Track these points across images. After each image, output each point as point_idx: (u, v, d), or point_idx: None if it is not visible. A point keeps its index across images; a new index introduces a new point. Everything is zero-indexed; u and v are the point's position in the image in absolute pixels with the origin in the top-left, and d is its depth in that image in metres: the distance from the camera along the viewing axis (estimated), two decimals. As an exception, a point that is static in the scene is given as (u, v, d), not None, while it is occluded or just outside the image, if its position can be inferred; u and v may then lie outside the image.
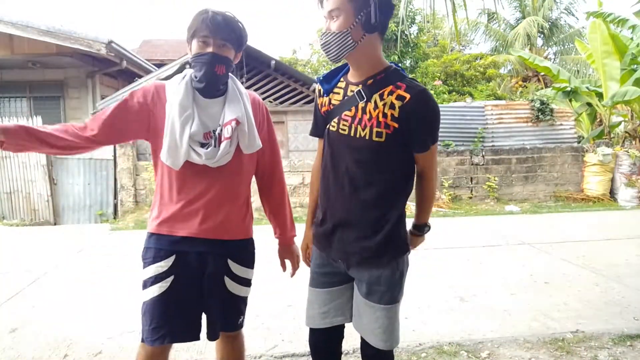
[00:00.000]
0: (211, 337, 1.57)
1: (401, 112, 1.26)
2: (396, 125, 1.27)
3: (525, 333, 2.64)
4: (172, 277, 1.49)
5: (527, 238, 5.18)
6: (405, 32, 12.59)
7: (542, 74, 12.16)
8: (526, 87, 14.38)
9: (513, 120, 9.07)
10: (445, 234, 5.50)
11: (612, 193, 8.21)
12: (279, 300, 3.18)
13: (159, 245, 1.52)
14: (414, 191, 1.46)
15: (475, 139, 8.84)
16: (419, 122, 1.27)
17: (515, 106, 9.29)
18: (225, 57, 1.41)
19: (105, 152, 7.43)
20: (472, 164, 8.28)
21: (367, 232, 1.36)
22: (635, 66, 8.82)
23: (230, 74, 1.51)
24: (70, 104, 8.98)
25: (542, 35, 17.44)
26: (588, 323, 2.76)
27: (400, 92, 1.27)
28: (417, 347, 2.50)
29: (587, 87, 9.49)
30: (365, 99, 1.30)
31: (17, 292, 3.57)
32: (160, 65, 10.10)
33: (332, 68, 1.45)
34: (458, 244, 4.90)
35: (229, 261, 1.53)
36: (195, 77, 1.43)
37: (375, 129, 1.28)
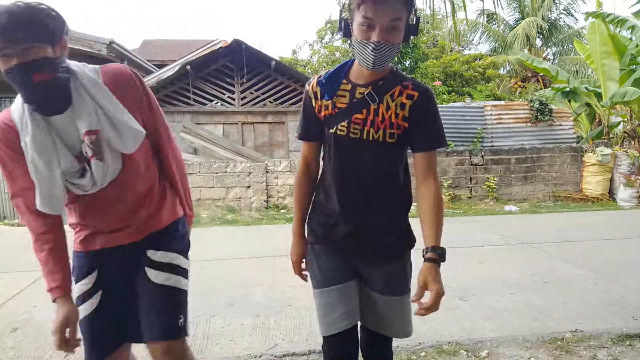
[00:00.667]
0: (134, 338, 1.45)
1: (411, 111, 1.28)
2: (406, 124, 1.29)
3: (524, 332, 2.65)
4: (99, 292, 1.38)
5: (526, 238, 5.19)
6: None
7: (541, 74, 12.18)
8: (525, 88, 14.40)
9: (512, 121, 9.09)
10: (444, 234, 5.50)
11: (611, 193, 8.22)
12: (279, 299, 3.19)
13: (80, 263, 1.40)
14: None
15: (475, 139, 8.85)
16: (428, 119, 1.30)
17: (514, 106, 9.30)
18: (36, 61, 1.09)
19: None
20: (471, 164, 8.30)
21: (384, 232, 1.37)
22: (634, 67, 8.84)
23: (70, 65, 1.21)
24: (70, 104, 8.98)
25: (541, 36, 17.46)
26: (587, 323, 2.77)
27: (409, 91, 1.29)
28: (416, 346, 2.51)
29: (586, 88, 9.51)
30: (377, 101, 1.29)
31: (18, 292, 3.58)
32: (161, 65, 10.11)
33: (332, 69, 1.39)
34: (457, 243, 4.91)
35: (147, 251, 1.39)
36: (24, 101, 1.17)
37: (388, 131, 1.29)
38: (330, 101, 1.34)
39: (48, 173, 1.19)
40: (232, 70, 8.26)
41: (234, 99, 8.41)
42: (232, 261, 4.45)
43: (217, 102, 8.50)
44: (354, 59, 1.32)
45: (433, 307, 1.23)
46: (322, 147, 1.43)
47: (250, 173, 7.59)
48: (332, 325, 1.38)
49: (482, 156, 8.32)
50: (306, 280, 1.52)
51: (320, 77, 1.37)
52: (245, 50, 7.85)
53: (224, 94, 8.42)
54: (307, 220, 1.49)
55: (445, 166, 8.18)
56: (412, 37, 1.27)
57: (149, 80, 7.61)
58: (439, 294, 1.23)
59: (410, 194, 1.43)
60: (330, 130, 1.34)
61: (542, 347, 2.48)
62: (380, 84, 1.29)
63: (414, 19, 1.24)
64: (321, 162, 1.46)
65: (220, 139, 8.18)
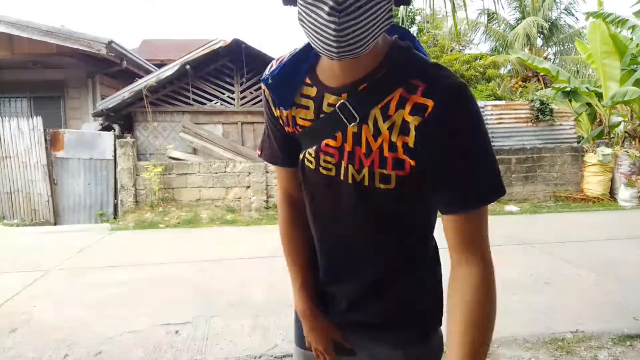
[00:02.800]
0: None
1: (420, 136, 0.70)
2: (412, 162, 0.72)
3: (525, 333, 2.64)
4: None
5: (526, 238, 5.17)
6: (405, 32, 12.57)
7: (542, 74, 12.17)
8: (526, 87, 14.39)
9: (513, 121, 9.07)
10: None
11: (611, 193, 8.21)
12: (279, 300, 3.18)
13: None
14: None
15: (475, 139, 8.83)
16: (458, 152, 0.69)
17: (515, 106, 9.29)
18: None
19: (105, 152, 7.44)
20: (472, 164, 8.28)
21: (374, 298, 0.89)
22: (635, 66, 8.83)
23: None
24: (70, 104, 8.98)
25: (541, 36, 17.44)
26: (588, 323, 2.76)
27: (417, 98, 0.69)
28: (417, 347, 2.50)
29: (587, 88, 9.49)
30: (357, 120, 0.74)
31: (17, 292, 3.57)
32: (160, 65, 10.10)
33: (285, 57, 0.83)
34: (458, 244, 4.89)
35: None
36: None
37: (378, 171, 0.75)
38: (287, 112, 0.83)
39: None
40: (232, 70, 8.25)
41: (233, 99, 8.40)
42: (232, 261, 4.44)
43: (216, 102, 8.49)
44: None
45: None
46: None
47: (250, 173, 7.58)
48: None
49: (483, 156, 8.31)
50: None
51: (272, 68, 0.84)
52: (245, 50, 7.84)
53: (224, 94, 8.41)
54: None
55: (445, 166, 8.18)
56: (404, 4, 0.72)
57: (149, 80, 7.60)
58: None
59: (431, 243, 0.93)
60: (300, 155, 0.85)
61: (542, 347, 2.47)
62: (363, 88, 0.73)
63: None
64: None
65: (220, 138, 8.17)
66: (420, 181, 0.74)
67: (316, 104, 0.78)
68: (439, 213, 0.80)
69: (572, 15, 17.84)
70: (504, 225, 6.08)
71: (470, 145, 0.69)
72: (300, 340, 1.03)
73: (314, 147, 0.80)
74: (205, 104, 8.32)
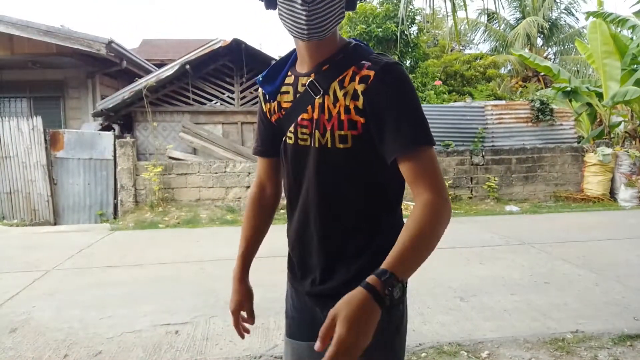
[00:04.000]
0: None
1: (366, 99, 0.89)
2: (362, 120, 0.90)
3: (525, 333, 2.64)
4: None
5: (527, 238, 5.17)
6: (405, 32, 12.58)
7: (542, 74, 12.17)
8: (526, 87, 14.38)
9: (513, 121, 9.07)
10: (445, 234, 5.49)
11: (612, 193, 8.20)
12: (279, 299, 3.18)
13: None
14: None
15: (475, 139, 8.83)
16: (394, 107, 0.88)
17: (515, 106, 9.28)
18: None
19: (105, 152, 7.44)
20: (472, 164, 8.28)
21: (341, 269, 0.98)
22: (635, 66, 8.82)
23: None
24: (70, 104, 8.98)
25: (542, 36, 17.44)
26: (588, 323, 2.76)
27: (364, 71, 0.90)
28: (417, 347, 2.50)
29: (587, 87, 9.49)
30: (321, 92, 0.94)
31: (17, 292, 3.57)
32: (160, 65, 10.11)
33: (274, 62, 1.08)
34: (458, 244, 4.90)
35: None
36: None
37: (337, 132, 0.92)
38: (275, 102, 1.04)
39: None
40: (232, 69, 8.25)
41: (233, 99, 8.40)
42: (232, 261, 4.43)
43: (216, 102, 8.49)
44: None
45: (321, 342, 0.71)
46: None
47: (250, 173, 7.58)
48: None
49: (483, 156, 8.30)
50: (243, 337, 1.27)
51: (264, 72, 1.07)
52: (245, 50, 7.84)
53: (224, 94, 8.40)
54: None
55: (445, 166, 8.17)
56: (359, 1, 0.96)
57: (149, 80, 7.60)
58: (342, 343, 0.69)
59: (392, 220, 1.00)
60: (283, 139, 1.04)
61: (542, 347, 2.47)
62: (326, 68, 0.95)
63: None
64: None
65: (220, 138, 8.17)
66: (370, 144, 0.91)
67: (294, 87, 1.00)
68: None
69: (573, 15, 17.85)
70: (504, 225, 6.08)
71: (402, 103, 0.88)
72: (289, 330, 1.14)
73: (293, 125, 0.99)
74: (205, 104, 8.32)
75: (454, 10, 3.02)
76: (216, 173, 7.55)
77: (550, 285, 3.51)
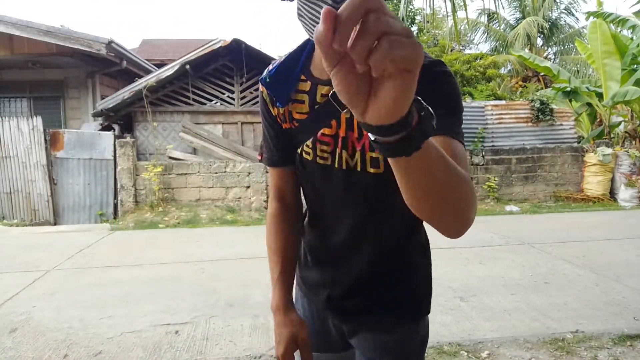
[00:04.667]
0: None
1: None
2: None
3: (525, 333, 2.64)
4: None
5: (527, 238, 5.17)
6: (405, 32, 12.58)
7: (542, 74, 12.17)
8: (526, 87, 14.38)
9: (513, 121, 9.07)
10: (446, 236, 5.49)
11: (612, 193, 8.20)
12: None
13: None
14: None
15: (475, 139, 8.83)
16: (437, 102, 0.74)
17: (515, 106, 9.28)
18: None
19: (105, 152, 7.44)
20: (472, 164, 8.28)
21: (375, 284, 0.94)
22: (635, 66, 8.82)
23: None
24: (70, 104, 8.98)
25: (542, 36, 17.44)
26: (588, 323, 2.76)
27: None
28: (417, 347, 2.50)
29: (587, 87, 9.49)
30: None
31: (17, 292, 3.57)
32: (160, 65, 10.10)
33: (281, 57, 0.91)
34: (458, 244, 4.90)
35: None
36: None
37: (368, 155, 0.81)
38: (284, 108, 0.89)
39: None
40: (232, 69, 8.24)
41: (233, 99, 8.39)
42: (232, 261, 4.44)
43: (216, 102, 8.49)
44: None
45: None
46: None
47: (250, 173, 7.58)
48: None
49: (483, 156, 8.30)
50: None
51: (269, 69, 0.91)
52: (245, 50, 7.84)
53: (224, 94, 8.40)
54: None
55: (445, 166, 8.17)
56: None
57: (149, 80, 7.60)
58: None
59: (421, 239, 0.97)
60: (298, 150, 0.90)
61: (542, 347, 2.47)
62: None
63: None
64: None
65: (220, 138, 8.16)
66: None
67: (310, 96, 0.84)
68: None
69: (573, 15, 17.84)
70: (504, 226, 6.07)
71: (445, 99, 0.76)
72: None
73: (311, 139, 0.85)
74: (205, 104, 8.31)
75: (454, 10, 3.02)
76: (216, 173, 7.55)
77: (550, 285, 3.51)
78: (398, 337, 0.91)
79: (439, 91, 0.77)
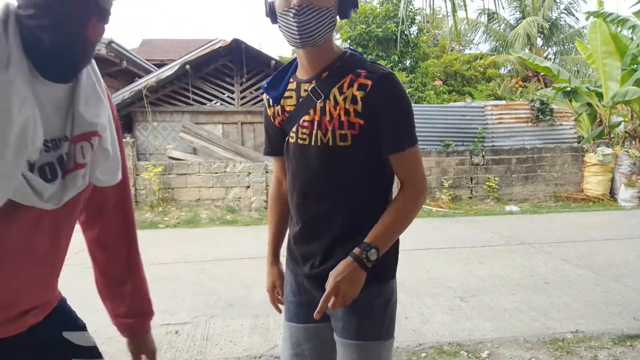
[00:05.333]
0: None
1: (364, 104, 1.04)
2: (361, 121, 1.05)
3: (525, 333, 2.64)
4: None
5: (527, 238, 5.17)
6: (405, 32, 12.59)
7: (542, 74, 12.17)
8: (526, 87, 14.38)
9: (513, 121, 9.07)
10: (445, 234, 5.50)
11: (612, 193, 8.20)
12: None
13: None
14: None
15: (475, 139, 8.84)
16: (385, 114, 1.05)
17: (515, 106, 9.29)
18: (104, 8, 0.77)
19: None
20: (472, 164, 8.28)
21: (339, 252, 1.10)
22: (635, 66, 8.83)
23: None
24: (70, 104, 8.98)
25: (542, 36, 17.44)
26: (588, 323, 2.76)
27: (361, 80, 1.05)
28: (417, 347, 2.50)
29: (587, 87, 9.49)
30: (322, 97, 1.07)
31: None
32: (160, 65, 10.11)
33: (278, 70, 1.21)
34: (458, 244, 4.90)
35: (66, 334, 0.99)
36: (39, 37, 0.73)
37: (338, 132, 1.06)
38: (278, 106, 1.17)
39: (17, 141, 0.71)
40: (232, 69, 8.25)
41: (233, 99, 8.40)
42: (232, 261, 4.44)
43: (216, 102, 8.49)
44: None
45: (323, 302, 1.00)
46: None
47: (250, 173, 7.58)
48: None
49: (483, 156, 8.30)
50: (280, 312, 1.33)
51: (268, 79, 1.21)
52: (245, 50, 7.84)
53: (224, 94, 8.41)
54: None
55: (445, 166, 8.17)
56: (352, 9, 1.09)
57: (149, 80, 7.60)
58: (335, 288, 0.99)
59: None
60: (286, 139, 1.16)
61: (542, 347, 2.47)
62: (325, 75, 1.08)
63: None
64: None
65: (220, 138, 8.17)
66: (367, 142, 1.06)
67: (296, 93, 1.13)
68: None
69: (573, 15, 17.85)
70: (504, 226, 6.08)
71: (394, 110, 1.06)
72: (287, 314, 1.24)
73: (295, 126, 1.12)
74: (205, 104, 8.32)
75: (454, 10, 3.02)
76: (216, 173, 7.55)
77: (550, 285, 3.51)
78: (363, 297, 1.05)
79: (384, 110, 1.05)
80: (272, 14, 1.08)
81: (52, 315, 0.96)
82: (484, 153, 8.32)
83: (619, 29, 9.11)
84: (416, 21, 13.28)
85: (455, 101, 12.08)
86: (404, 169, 1.10)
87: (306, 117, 1.10)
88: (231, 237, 5.79)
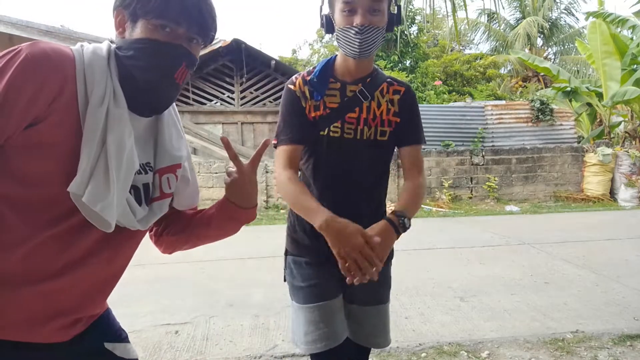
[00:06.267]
0: None
1: (400, 106, 1.31)
2: (397, 120, 1.30)
3: (525, 333, 2.64)
4: None
5: (527, 238, 5.17)
6: (405, 32, 12.59)
7: (542, 74, 12.18)
8: (526, 87, 14.39)
9: (513, 121, 9.08)
10: (445, 234, 5.50)
11: (612, 193, 8.21)
12: (279, 300, 3.18)
13: None
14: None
15: (475, 139, 8.84)
16: (413, 114, 1.33)
17: (515, 106, 9.29)
18: (194, 58, 0.88)
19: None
20: (472, 164, 8.28)
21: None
22: (635, 66, 8.83)
23: None
24: (70, 104, 8.98)
25: (542, 36, 17.45)
26: (588, 323, 2.76)
27: (395, 87, 1.32)
28: (417, 347, 2.50)
29: (587, 87, 9.49)
30: (369, 98, 1.28)
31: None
32: (160, 65, 10.08)
33: (316, 66, 1.33)
34: (458, 244, 4.90)
35: (108, 345, 0.98)
36: (133, 75, 0.83)
37: (380, 128, 1.29)
38: (320, 101, 1.28)
39: (127, 165, 0.83)
40: (232, 69, 8.25)
41: (233, 99, 8.40)
42: (232, 261, 4.44)
43: (216, 102, 8.49)
44: (335, 56, 1.32)
45: (376, 252, 1.07)
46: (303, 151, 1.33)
47: (250, 173, 7.58)
48: (314, 344, 1.28)
49: (483, 156, 8.30)
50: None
51: (306, 76, 1.31)
52: (245, 50, 7.84)
53: (224, 94, 8.41)
54: (288, 231, 1.39)
55: (445, 166, 8.17)
56: (396, 26, 1.26)
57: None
58: (381, 244, 1.08)
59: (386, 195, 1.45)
60: (322, 132, 1.28)
61: (542, 347, 2.47)
62: (369, 80, 1.29)
63: (395, 8, 1.26)
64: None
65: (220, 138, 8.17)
66: (395, 137, 1.32)
67: (341, 92, 1.29)
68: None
69: (573, 15, 17.87)
70: (504, 225, 6.08)
71: (416, 112, 1.35)
72: (313, 297, 1.29)
73: (339, 121, 1.27)
74: (205, 103, 8.32)
75: (454, 10, 3.02)
76: (216, 173, 7.55)
77: (550, 285, 3.51)
78: (387, 266, 1.35)
79: (411, 112, 1.33)
80: (328, 25, 1.25)
81: (95, 324, 0.97)
82: (484, 153, 8.32)
83: (619, 29, 9.12)
84: (416, 21, 13.29)
85: (455, 101, 12.09)
86: (414, 160, 1.33)
87: (352, 114, 1.27)
88: (231, 237, 5.79)
